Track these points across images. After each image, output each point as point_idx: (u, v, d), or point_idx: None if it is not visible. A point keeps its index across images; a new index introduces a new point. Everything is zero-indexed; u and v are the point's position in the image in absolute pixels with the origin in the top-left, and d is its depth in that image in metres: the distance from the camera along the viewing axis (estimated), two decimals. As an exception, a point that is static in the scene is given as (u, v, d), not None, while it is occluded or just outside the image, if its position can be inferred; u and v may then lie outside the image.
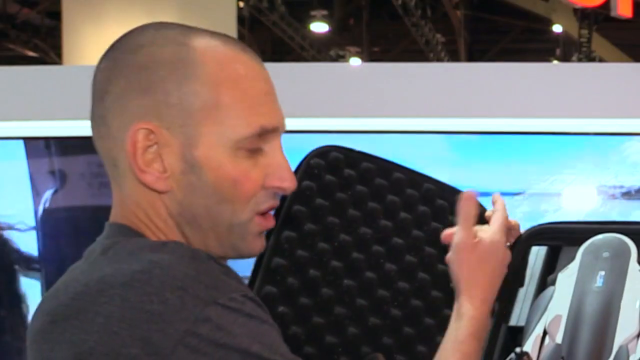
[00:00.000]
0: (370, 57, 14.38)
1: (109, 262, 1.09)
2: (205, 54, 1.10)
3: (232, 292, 1.04)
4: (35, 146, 2.66)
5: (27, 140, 2.64)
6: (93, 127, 1.15)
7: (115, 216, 1.17)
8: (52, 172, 2.64)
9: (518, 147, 2.57)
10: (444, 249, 1.57)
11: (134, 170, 1.10)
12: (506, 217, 1.39)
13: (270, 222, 1.17)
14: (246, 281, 1.56)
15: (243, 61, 1.12)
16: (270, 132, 1.13)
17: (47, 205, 2.64)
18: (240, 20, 10.52)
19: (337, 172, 1.57)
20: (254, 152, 1.12)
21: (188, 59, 1.10)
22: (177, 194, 1.11)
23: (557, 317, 1.52)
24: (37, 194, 2.64)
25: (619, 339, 1.47)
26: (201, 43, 1.11)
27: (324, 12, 12.87)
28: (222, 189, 1.10)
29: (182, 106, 1.09)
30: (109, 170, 1.15)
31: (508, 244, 1.59)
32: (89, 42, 6.80)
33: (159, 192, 1.11)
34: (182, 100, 1.09)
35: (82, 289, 1.08)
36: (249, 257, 1.20)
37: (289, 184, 1.14)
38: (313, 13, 12.84)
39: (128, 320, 1.02)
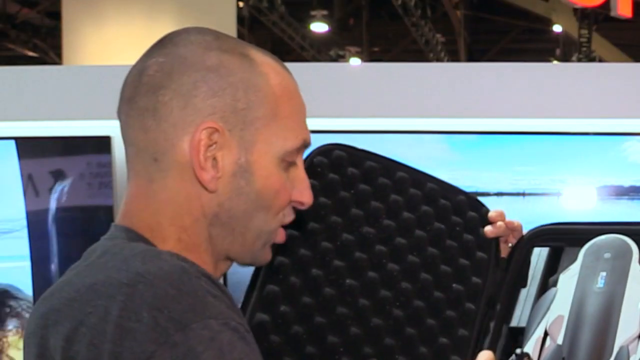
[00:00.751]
0: (370, 57, 14.40)
1: (103, 268, 1.09)
2: (265, 67, 1.17)
3: (211, 318, 1.02)
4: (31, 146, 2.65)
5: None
6: (133, 117, 1.15)
7: (127, 216, 1.16)
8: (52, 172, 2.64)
9: (518, 147, 2.56)
10: (447, 249, 1.57)
11: (195, 167, 1.12)
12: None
13: (284, 235, 1.24)
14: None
15: (290, 78, 1.21)
16: (306, 147, 1.21)
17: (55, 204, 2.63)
18: (240, 20, 10.52)
19: (340, 171, 1.57)
20: (290, 165, 1.19)
21: (253, 69, 1.16)
22: (220, 195, 1.14)
23: (559, 318, 1.52)
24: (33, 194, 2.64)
25: (619, 340, 1.47)
26: (259, 57, 1.18)
27: (324, 12, 12.87)
28: (265, 196, 1.16)
29: (247, 112, 1.14)
30: (139, 163, 1.15)
31: (510, 244, 1.59)
32: (89, 42, 6.80)
33: (208, 191, 1.13)
34: (248, 106, 1.14)
35: (74, 295, 1.09)
36: (259, 265, 1.28)
37: (308, 200, 1.22)
38: (313, 13, 12.84)
39: (107, 334, 1.02)
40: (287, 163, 1.18)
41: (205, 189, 1.13)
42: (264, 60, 1.18)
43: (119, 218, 1.18)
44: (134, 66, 1.17)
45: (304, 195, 1.21)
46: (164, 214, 1.14)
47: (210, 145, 1.12)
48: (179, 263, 1.08)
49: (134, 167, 1.16)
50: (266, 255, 1.22)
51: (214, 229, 1.15)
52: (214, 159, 1.13)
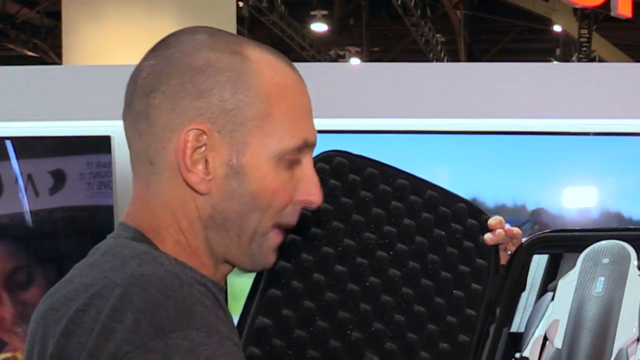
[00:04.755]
0: (370, 57, 14.40)
1: (102, 269, 1.10)
2: (259, 64, 1.13)
3: (194, 329, 1.01)
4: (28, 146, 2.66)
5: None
6: (129, 121, 1.15)
7: (129, 216, 1.17)
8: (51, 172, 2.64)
9: (518, 147, 2.56)
10: (447, 256, 1.57)
11: (181, 169, 1.11)
12: None
13: (282, 237, 1.19)
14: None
15: (291, 75, 1.16)
16: (310, 146, 1.17)
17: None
18: (240, 20, 10.53)
19: (341, 177, 1.58)
20: (292, 164, 1.15)
21: (244, 67, 1.12)
22: (214, 197, 1.12)
23: (555, 322, 1.52)
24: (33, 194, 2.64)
25: (619, 343, 1.48)
26: (254, 54, 1.14)
27: (324, 12, 12.88)
28: (261, 198, 1.12)
29: (237, 112, 1.11)
30: (138, 167, 1.15)
31: (509, 252, 1.60)
32: (89, 42, 6.80)
33: (199, 194, 1.12)
34: (237, 106, 1.11)
35: (72, 295, 1.09)
36: (261, 269, 1.22)
37: (317, 198, 1.17)
38: (313, 13, 12.85)
39: (94, 333, 1.02)
40: (287, 162, 1.14)
41: (196, 191, 1.12)
42: (259, 57, 1.14)
43: (124, 216, 1.18)
44: (134, 70, 1.17)
45: (312, 193, 1.17)
46: (161, 217, 1.13)
47: (199, 147, 1.10)
48: (174, 269, 1.08)
49: (135, 171, 1.17)
50: (267, 259, 1.19)
51: (210, 232, 1.13)
52: (206, 160, 1.11)
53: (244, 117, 1.11)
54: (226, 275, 1.19)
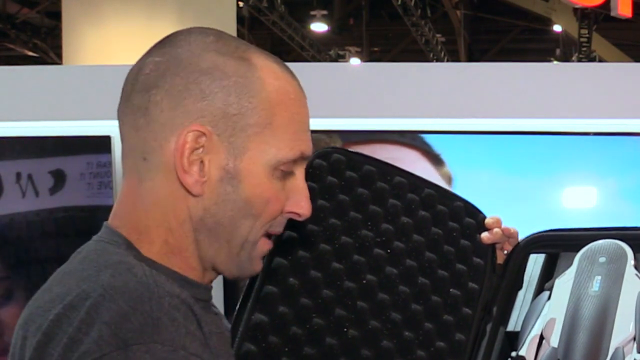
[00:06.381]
0: (370, 57, 14.41)
1: (78, 278, 1.09)
2: (265, 72, 1.14)
3: (158, 343, 1.00)
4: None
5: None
6: (127, 115, 1.14)
7: (116, 216, 1.16)
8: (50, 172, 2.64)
9: (518, 147, 2.57)
10: (444, 254, 1.58)
11: (177, 169, 1.11)
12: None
13: (270, 245, 1.20)
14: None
15: (293, 86, 1.17)
16: (305, 159, 1.17)
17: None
18: (240, 20, 10.53)
19: (338, 174, 1.58)
20: (286, 175, 1.15)
21: (250, 74, 1.12)
22: (206, 200, 1.12)
23: (552, 321, 1.52)
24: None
25: (615, 342, 1.48)
26: (260, 61, 1.14)
27: (324, 12, 12.88)
28: (254, 205, 1.13)
29: (238, 118, 1.11)
30: (131, 162, 1.14)
31: (505, 251, 1.60)
32: (89, 42, 6.80)
33: (192, 195, 1.11)
34: (240, 112, 1.11)
35: (48, 305, 1.09)
36: (246, 278, 1.23)
37: (306, 211, 1.18)
38: (313, 13, 12.85)
39: (62, 344, 1.02)
40: (281, 172, 1.14)
41: (190, 192, 1.11)
42: (265, 64, 1.14)
43: (110, 217, 1.17)
44: (134, 65, 1.17)
45: (301, 206, 1.17)
46: (151, 216, 1.13)
47: (197, 149, 1.10)
48: (146, 280, 1.07)
49: (126, 165, 1.16)
50: (254, 267, 1.19)
51: (200, 235, 1.13)
52: (202, 162, 1.11)
53: (245, 123, 1.11)
54: (212, 280, 1.19)
